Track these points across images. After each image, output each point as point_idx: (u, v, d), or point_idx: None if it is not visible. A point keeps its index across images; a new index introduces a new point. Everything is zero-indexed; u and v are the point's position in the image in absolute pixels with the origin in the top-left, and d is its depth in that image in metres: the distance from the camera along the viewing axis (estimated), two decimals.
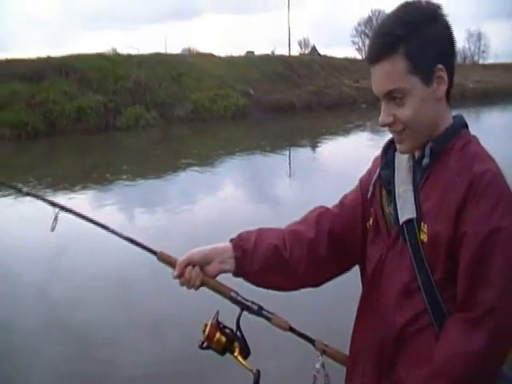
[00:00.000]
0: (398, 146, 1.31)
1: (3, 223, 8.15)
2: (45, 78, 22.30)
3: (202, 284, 1.45)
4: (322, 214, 1.52)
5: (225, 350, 1.42)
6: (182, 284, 1.45)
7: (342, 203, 1.52)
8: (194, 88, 22.06)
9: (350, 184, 1.57)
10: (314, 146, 16.83)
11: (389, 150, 1.39)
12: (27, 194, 2.05)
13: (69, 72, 22.48)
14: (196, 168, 12.71)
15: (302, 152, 15.57)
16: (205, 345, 1.42)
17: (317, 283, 1.56)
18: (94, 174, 12.90)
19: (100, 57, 24.15)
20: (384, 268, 1.31)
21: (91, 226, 1.64)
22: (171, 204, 9.59)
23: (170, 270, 1.48)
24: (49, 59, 24.24)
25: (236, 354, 1.42)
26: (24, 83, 22.09)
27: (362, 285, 1.45)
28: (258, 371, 1.41)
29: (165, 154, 15.39)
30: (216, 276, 1.47)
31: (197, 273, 1.43)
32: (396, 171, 1.34)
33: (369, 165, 1.49)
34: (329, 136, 18.13)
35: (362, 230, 1.45)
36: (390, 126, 1.26)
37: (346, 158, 13.07)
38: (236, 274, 1.47)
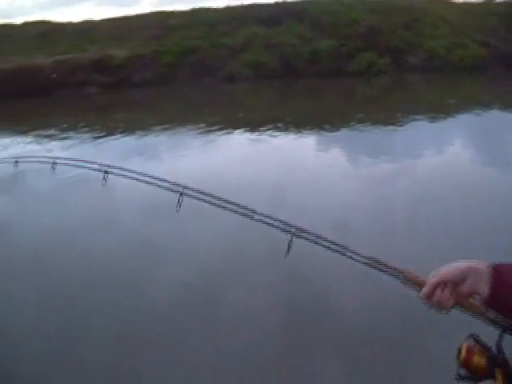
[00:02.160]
0: None
1: None
2: (281, 22, 24.08)
3: (455, 304, 1.35)
4: None
5: (484, 375, 1.27)
6: (431, 306, 1.36)
7: None
8: (428, 36, 21.70)
9: None
10: None
11: None
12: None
13: (303, 16, 23.88)
14: (428, 120, 12.58)
15: None
16: (462, 373, 1.30)
17: None
18: (325, 117, 13.72)
19: (334, 1, 25.04)
20: None
21: None
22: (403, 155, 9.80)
23: None
24: (285, 4, 26.00)
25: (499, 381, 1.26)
26: (262, 27, 24.19)
27: None
28: None
29: (396, 102, 15.63)
30: (468, 296, 1.35)
31: (449, 293, 1.33)
32: None
33: None
34: None
35: None
36: None
37: None
38: (488, 301, 1.30)
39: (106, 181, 2.38)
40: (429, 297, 1.34)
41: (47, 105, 20.30)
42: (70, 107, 19.61)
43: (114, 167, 2.37)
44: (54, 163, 2.76)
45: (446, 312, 1.36)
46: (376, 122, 12.58)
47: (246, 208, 1.87)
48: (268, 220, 1.80)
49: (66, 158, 2.97)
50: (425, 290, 1.34)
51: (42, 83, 21.92)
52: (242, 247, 5.55)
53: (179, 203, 2.03)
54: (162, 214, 6.09)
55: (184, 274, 5.14)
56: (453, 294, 1.33)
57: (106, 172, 2.38)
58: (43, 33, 26.20)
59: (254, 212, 1.87)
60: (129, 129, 13.89)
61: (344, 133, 11.86)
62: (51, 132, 14.21)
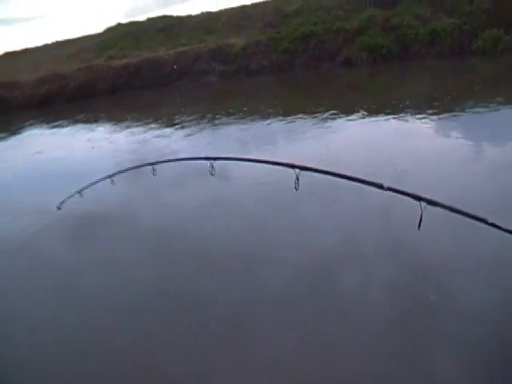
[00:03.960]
0: None
1: None
2: (399, 2, 23.76)
3: None
4: None
5: None
6: None
7: None
8: None
9: None
10: None
11: None
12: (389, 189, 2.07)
13: None
14: None
15: None
16: None
17: None
18: (442, 98, 13.39)
19: None
20: None
21: None
22: None
23: None
24: None
25: None
26: (379, 8, 24.05)
27: None
28: None
29: None
30: None
31: None
32: None
33: None
34: None
35: None
36: None
37: None
38: None
39: (213, 170, 2.70)
40: None
41: (170, 94, 21.87)
42: (190, 96, 20.98)
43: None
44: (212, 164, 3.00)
45: None
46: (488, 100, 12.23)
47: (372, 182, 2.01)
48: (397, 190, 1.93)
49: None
50: None
51: (165, 74, 23.62)
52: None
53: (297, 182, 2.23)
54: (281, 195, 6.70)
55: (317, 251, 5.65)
56: None
57: (211, 164, 2.73)
58: (165, 27, 27.99)
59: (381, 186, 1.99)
60: (246, 115, 14.73)
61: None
62: (175, 120, 15.48)
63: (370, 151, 9.23)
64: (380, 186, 1.94)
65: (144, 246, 6.64)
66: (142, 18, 30.54)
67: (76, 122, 18.61)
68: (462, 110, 11.73)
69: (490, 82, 15.24)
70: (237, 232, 6.53)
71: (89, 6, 72.62)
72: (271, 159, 2.48)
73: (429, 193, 1.92)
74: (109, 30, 30.19)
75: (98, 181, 4.51)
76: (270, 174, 6.96)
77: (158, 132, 14.33)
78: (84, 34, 31.94)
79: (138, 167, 4.31)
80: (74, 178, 8.20)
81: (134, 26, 29.35)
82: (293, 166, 2.23)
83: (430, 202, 1.75)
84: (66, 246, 7.08)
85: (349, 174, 2.16)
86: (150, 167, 3.98)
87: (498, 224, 1.55)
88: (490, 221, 1.56)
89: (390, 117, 11.91)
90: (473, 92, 14.06)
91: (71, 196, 4.59)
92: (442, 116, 11.55)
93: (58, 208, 4.53)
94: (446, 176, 7.29)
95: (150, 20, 29.40)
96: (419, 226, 1.75)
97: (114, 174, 4.37)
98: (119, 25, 30.33)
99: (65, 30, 71.76)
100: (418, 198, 1.75)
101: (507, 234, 1.65)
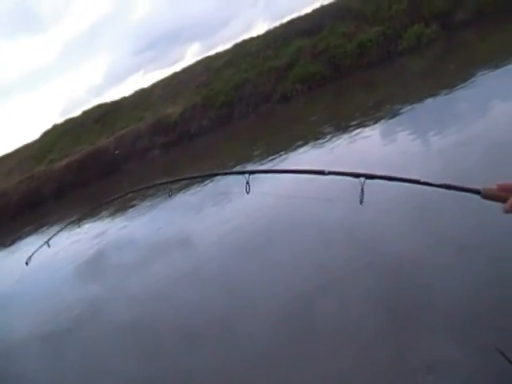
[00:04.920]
0: None
1: None
2: (323, 26, 23.58)
3: None
4: None
5: None
6: None
7: None
8: None
9: None
10: None
11: None
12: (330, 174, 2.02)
13: (344, 13, 23.25)
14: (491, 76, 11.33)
15: None
16: None
17: None
18: (382, 105, 13.13)
19: None
20: None
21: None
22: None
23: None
24: (324, 8, 25.53)
25: None
26: (305, 38, 23.83)
27: None
28: None
29: (453, 66, 14.55)
30: None
31: None
32: None
33: None
34: None
35: None
36: None
37: None
38: None
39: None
40: None
41: (117, 181, 21.07)
42: (137, 177, 20.23)
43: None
44: None
45: None
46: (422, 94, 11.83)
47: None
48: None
49: None
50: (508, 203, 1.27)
51: (108, 163, 22.99)
52: None
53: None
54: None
55: None
56: None
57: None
58: (101, 115, 27.67)
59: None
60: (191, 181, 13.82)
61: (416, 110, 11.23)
62: (130, 204, 14.49)
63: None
64: (321, 173, 1.93)
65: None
66: (77, 112, 30.25)
67: (25, 234, 17.70)
68: (399, 112, 11.29)
69: (421, 76, 14.79)
70: None
71: (22, 114, 72.64)
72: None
73: None
74: (45, 134, 29.78)
75: None
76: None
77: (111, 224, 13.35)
78: (21, 145, 31.49)
79: None
80: None
81: (70, 123, 29.00)
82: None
83: (368, 177, 1.77)
84: None
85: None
86: None
87: (429, 181, 1.56)
88: (422, 180, 1.59)
89: (336, 136, 11.48)
90: (407, 91, 13.54)
91: None
92: (385, 122, 11.15)
93: None
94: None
95: (85, 113, 29.10)
96: (361, 201, 1.75)
97: None
98: (55, 126, 29.96)
99: (1, 145, 71.69)
100: (357, 175, 1.79)
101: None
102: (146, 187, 3.78)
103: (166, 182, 3.13)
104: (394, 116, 11.42)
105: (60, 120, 33.18)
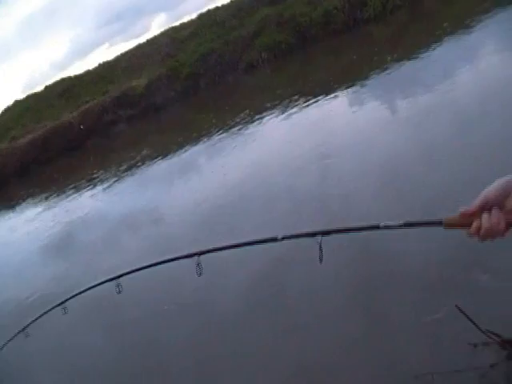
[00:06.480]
0: None
1: None
2: None
3: (508, 226, 1.18)
4: None
5: None
6: (484, 238, 1.20)
7: None
8: None
9: None
10: None
11: None
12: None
13: None
14: (450, 39, 11.63)
15: None
16: None
17: None
18: (353, 69, 13.25)
19: None
20: None
21: None
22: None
23: None
24: None
25: None
26: (271, 6, 23.69)
27: None
28: None
29: (416, 32, 14.70)
30: None
31: (497, 214, 1.17)
32: None
33: None
34: None
35: None
36: None
37: None
38: None
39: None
40: (478, 229, 1.18)
41: (80, 158, 20.78)
42: (102, 153, 19.99)
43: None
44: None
45: (502, 237, 1.19)
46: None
47: None
48: None
49: None
50: (471, 228, 1.21)
51: (73, 138, 22.69)
52: None
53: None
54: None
55: None
56: (501, 215, 1.17)
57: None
58: (65, 90, 27.19)
59: None
60: (165, 152, 13.72)
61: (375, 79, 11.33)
62: (86, 184, 14.38)
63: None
64: (274, 240, 1.76)
65: None
66: (40, 88, 29.62)
67: None
68: (366, 79, 11.45)
69: (387, 43, 14.90)
70: None
71: None
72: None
73: None
74: (6, 111, 29.13)
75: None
76: None
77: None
78: None
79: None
80: None
81: (32, 98, 28.44)
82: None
83: (325, 233, 1.64)
84: None
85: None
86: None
87: (389, 224, 1.46)
88: (382, 224, 1.48)
89: (303, 105, 11.52)
90: (372, 58, 13.62)
91: None
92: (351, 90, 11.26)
93: None
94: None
95: (48, 88, 28.53)
96: (321, 259, 1.57)
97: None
98: (16, 102, 29.32)
99: None
100: (312, 234, 1.64)
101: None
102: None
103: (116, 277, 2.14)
104: (355, 85, 11.53)
105: (22, 96, 32.55)
